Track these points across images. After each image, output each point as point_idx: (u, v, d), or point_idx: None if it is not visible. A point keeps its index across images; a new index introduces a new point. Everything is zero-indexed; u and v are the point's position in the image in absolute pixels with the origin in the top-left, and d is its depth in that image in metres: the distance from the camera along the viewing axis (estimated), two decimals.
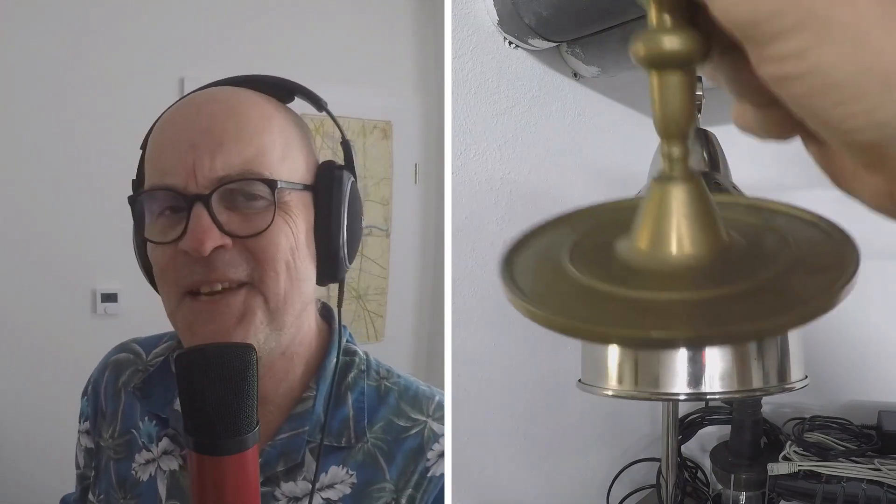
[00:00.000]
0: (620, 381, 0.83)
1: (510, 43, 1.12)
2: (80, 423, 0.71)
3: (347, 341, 0.65)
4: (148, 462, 0.63)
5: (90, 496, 0.66)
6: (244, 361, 0.46)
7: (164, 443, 0.62)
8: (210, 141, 0.54)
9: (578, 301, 0.31)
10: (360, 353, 0.66)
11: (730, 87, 0.29)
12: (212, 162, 0.53)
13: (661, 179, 0.31)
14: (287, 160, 0.57)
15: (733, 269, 0.30)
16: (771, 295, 0.29)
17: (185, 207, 0.53)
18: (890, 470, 1.07)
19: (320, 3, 1.96)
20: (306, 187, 0.58)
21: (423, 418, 0.62)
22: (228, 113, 0.56)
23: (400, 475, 0.60)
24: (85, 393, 0.71)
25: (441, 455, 0.62)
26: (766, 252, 0.32)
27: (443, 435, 0.63)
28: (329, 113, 0.63)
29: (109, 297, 1.77)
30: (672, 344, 0.26)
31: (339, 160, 0.62)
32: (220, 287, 0.54)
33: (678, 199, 0.31)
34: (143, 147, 0.60)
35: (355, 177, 0.62)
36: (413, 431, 0.62)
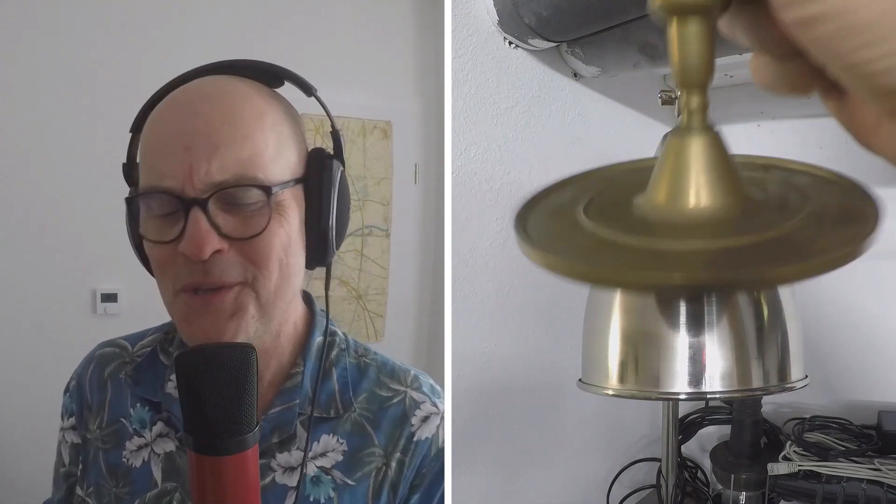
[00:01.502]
0: (621, 380, 0.83)
1: (510, 43, 1.12)
2: (63, 420, 0.71)
3: (329, 323, 0.69)
4: (140, 448, 0.64)
5: (78, 491, 0.67)
6: (244, 361, 0.46)
7: (159, 427, 0.64)
8: (205, 144, 0.55)
9: (597, 252, 0.30)
10: (340, 333, 0.70)
11: (749, 37, 0.28)
12: (208, 166, 0.54)
13: (679, 131, 0.31)
14: (280, 158, 0.59)
15: (753, 220, 0.30)
16: (793, 244, 0.28)
17: (181, 210, 0.54)
18: (890, 470, 1.07)
19: (320, 3, 1.96)
20: (297, 181, 0.60)
21: (403, 388, 0.67)
22: (223, 113, 0.57)
23: (388, 440, 0.64)
24: (67, 389, 0.72)
25: (424, 420, 0.66)
26: (786, 205, 0.32)
27: (423, 402, 0.67)
28: (318, 99, 0.64)
29: (109, 297, 1.77)
30: (695, 288, 0.26)
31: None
32: (216, 287, 0.55)
33: (697, 151, 0.30)
34: (134, 130, 0.61)
35: (344, 165, 0.64)
36: (395, 400, 0.66)
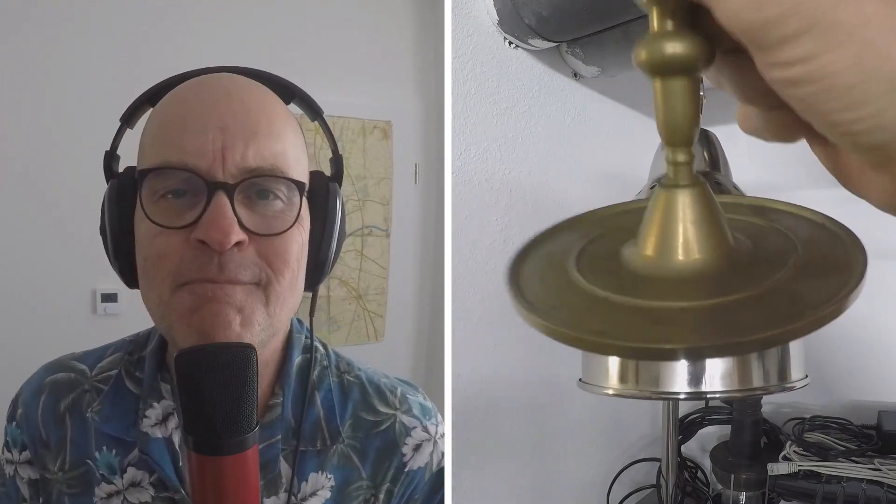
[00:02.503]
0: (621, 380, 0.83)
1: (510, 43, 1.12)
2: (10, 452, 0.62)
3: (306, 337, 0.63)
4: (111, 496, 0.57)
5: None
6: (244, 361, 0.46)
7: (131, 473, 0.57)
8: (244, 127, 0.51)
9: (589, 313, 0.30)
10: (321, 346, 0.64)
11: (734, 91, 0.29)
12: (244, 150, 0.50)
13: (666, 186, 0.31)
14: (300, 164, 0.56)
15: (741, 274, 0.30)
16: (779, 301, 0.28)
17: (202, 193, 0.49)
18: (890, 470, 1.07)
19: (320, 3, 1.96)
20: (308, 195, 0.57)
21: (392, 411, 0.62)
22: (260, 103, 0.54)
23: (375, 471, 0.60)
24: (12, 418, 0.63)
25: (417, 448, 0.62)
26: (773, 255, 0.32)
27: (414, 428, 0.62)
28: (323, 122, 0.62)
29: (109, 297, 1.77)
30: (686, 355, 0.26)
31: (326, 160, 0.62)
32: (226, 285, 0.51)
33: (684, 205, 0.30)
34: (125, 120, 0.57)
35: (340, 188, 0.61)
36: (384, 426, 0.61)
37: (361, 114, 1.91)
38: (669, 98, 0.30)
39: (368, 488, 0.60)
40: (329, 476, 0.59)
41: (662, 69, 0.29)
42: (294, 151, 0.55)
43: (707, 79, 0.30)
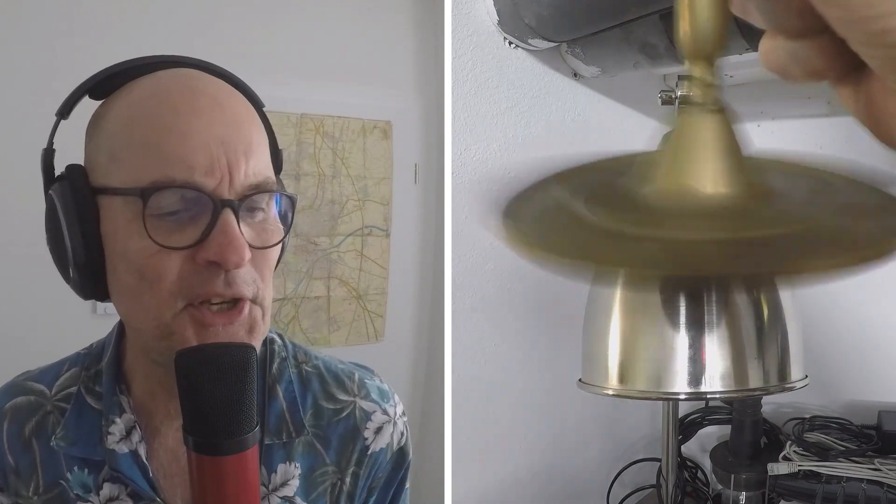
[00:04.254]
0: (621, 380, 0.83)
1: (510, 43, 1.12)
2: None
3: None
4: None
5: None
6: (244, 361, 0.46)
7: (107, 489, 0.56)
8: (242, 140, 0.50)
9: (601, 246, 0.26)
10: (277, 338, 0.64)
11: (763, 14, 0.26)
12: (246, 167, 0.49)
13: (690, 109, 0.28)
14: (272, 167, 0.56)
15: (775, 209, 0.27)
16: (818, 236, 0.25)
17: (205, 210, 0.48)
18: (890, 470, 1.07)
19: (320, 3, 1.96)
20: None
21: (350, 398, 0.64)
22: (247, 113, 0.52)
23: (339, 457, 0.62)
24: None
25: (378, 431, 0.64)
26: (813, 198, 0.28)
27: (374, 412, 0.64)
28: (264, 115, 0.58)
29: None
30: (717, 283, 0.24)
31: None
32: (231, 302, 0.50)
33: (711, 131, 0.27)
34: (62, 114, 0.54)
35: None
36: (344, 413, 0.63)
37: (361, 114, 1.91)
38: (694, 3, 0.26)
39: (334, 473, 0.62)
40: (296, 465, 0.60)
41: None
42: (269, 157, 0.54)
43: (734, 9, 0.27)
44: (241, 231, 0.48)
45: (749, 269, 0.24)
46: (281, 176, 0.58)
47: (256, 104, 0.57)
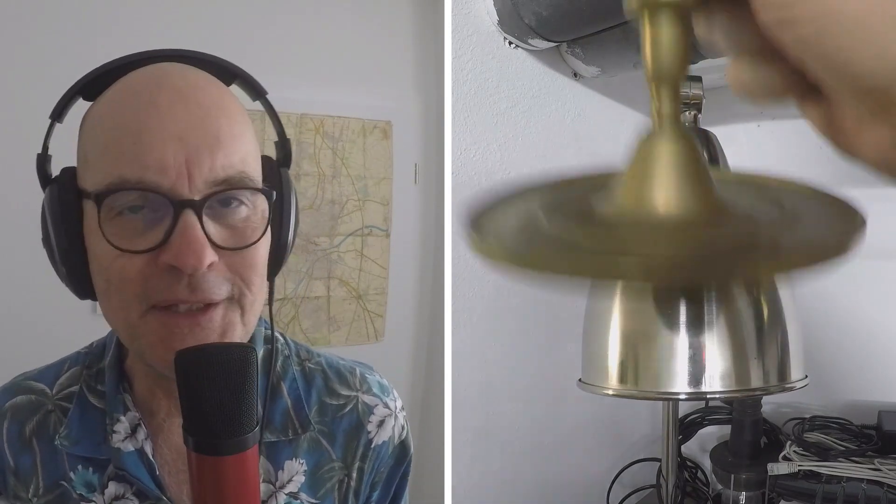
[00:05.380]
0: (621, 380, 0.83)
1: (510, 43, 1.12)
2: None
3: (265, 328, 0.63)
4: None
5: None
6: (244, 361, 0.46)
7: (112, 488, 0.56)
8: (206, 137, 0.47)
9: (558, 255, 0.28)
10: (280, 337, 0.65)
11: (726, 40, 0.28)
12: (211, 162, 0.47)
13: (649, 135, 0.29)
14: (258, 161, 0.54)
15: (730, 225, 0.28)
16: (773, 242, 0.27)
17: (166, 211, 0.47)
18: (890, 470, 1.07)
19: (320, 3, 1.96)
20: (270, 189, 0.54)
21: (353, 393, 0.65)
22: (218, 105, 0.50)
23: (345, 452, 0.62)
24: None
25: (380, 424, 0.64)
26: (764, 213, 0.30)
27: (376, 405, 0.65)
28: (267, 103, 0.58)
29: None
30: (666, 279, 0.25)
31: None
32: (201, 304, 0.49)
33: (668, 155, 0.28)
34: (55, 117, 0.53)
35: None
36: (347, 408, 0.64)
37: (361, 114, 1.91)
38: (657, 32, 0.28)
39: (340, 469, 0.62)
40: (301, 461, 0.61)
41: (652, 1, 0.27)
42: (253, 150, 0.52)
43: (699, 33, 0.28)
44: (204, 232, 0.47)
45: (692, 278, 0.26)
46: None
47: (258, 93, 0.56)
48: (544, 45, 1.10)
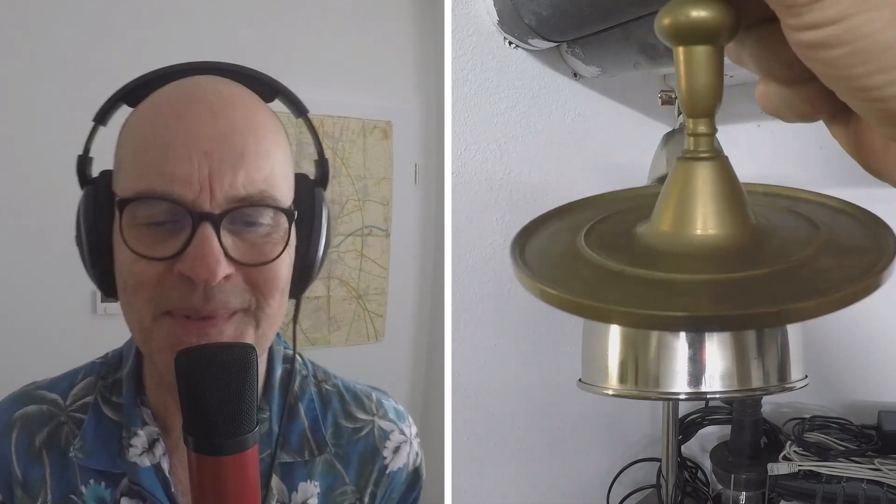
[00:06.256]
0: (621, 380, 0.83)
1: (510, 43, 1.12)
2: None
3: (284, 347, 0.63)
4: None
5: None
6: (244, 361, 0.46)
7: (125, 503, 0.55)
8: (231, 152, 0.48)
9: (602, 285, 0.29)
10: (299, 357, 0.64)
11: (756, 65, 0.28)
12: (233, 178, 0.48)
13: (686, 158, 0.30)
14: (288, 179, 0.54)
15: (763, 250, 0.29)
16: (807, 275, 0.27)
17: (186, 223, 0.48)
18: (890, 470, 1.07)
19: (320, 4, 1.96)
20: (296, 208, 0.55)
21: (370, 418, 0.65)
22: (247, 121, 0.50)
23: (359, 477, 0.62)
24: None
25: (396, 450, 0.64)
26: (796, 235, 0.31)
27: (392, 431, 0.65)
28: (308, 122, 0.59)
29: (109, 298, 1.76)
30: (703, 323, 0.25)
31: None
32: (214, 314, 0.49)
33: (704, 178, 0.29)
34: (99, 121, 0.55)
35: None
36: (364, 432, 0.63)
37: (361, 114, 1.91)
38: (692, 66, 0.28)
39: (353, 493, 0.62)
40: (316, 483, 0.60)
41: (686, 35, 0.28)
42: (282, 168, 0.52)
43: (728, 56, 0.29)
44: (221, 246, 0.47)
45: (735, 309, 0.26)
46: None
47: (300, 110, 0.57)
48: (544, 45, 1.10)
